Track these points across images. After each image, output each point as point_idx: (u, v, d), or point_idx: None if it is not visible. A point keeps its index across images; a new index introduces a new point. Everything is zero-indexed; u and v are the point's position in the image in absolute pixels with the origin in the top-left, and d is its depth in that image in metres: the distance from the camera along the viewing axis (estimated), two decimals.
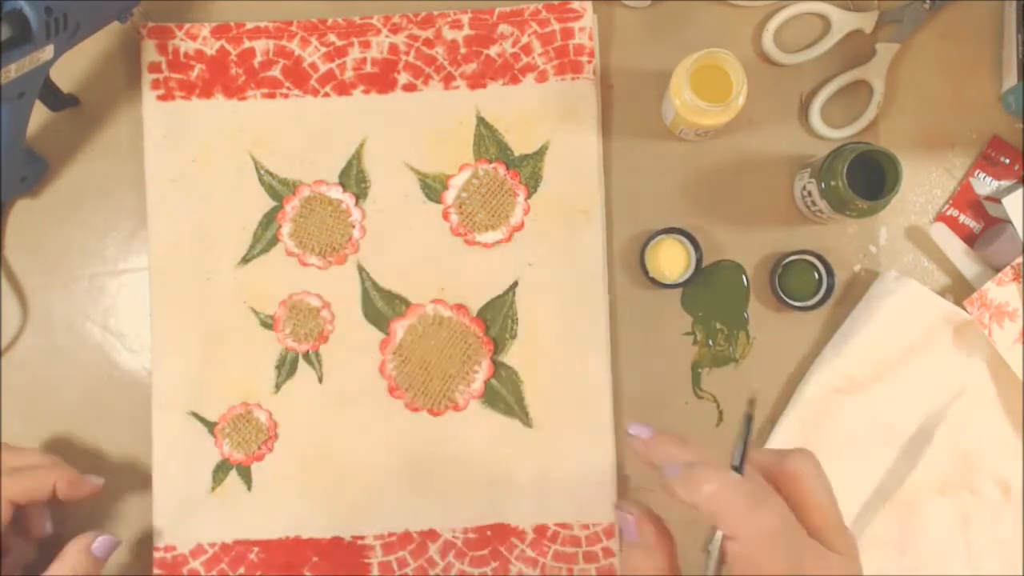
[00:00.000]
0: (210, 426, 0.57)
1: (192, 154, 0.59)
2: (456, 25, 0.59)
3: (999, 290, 0.55)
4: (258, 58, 0.59)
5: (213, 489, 0.57)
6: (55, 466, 0.53)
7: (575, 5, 0.59)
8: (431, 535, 0.57)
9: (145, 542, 0.56)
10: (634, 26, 0.60)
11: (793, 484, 0.37)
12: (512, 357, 0.57)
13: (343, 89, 0.59)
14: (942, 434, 0.55)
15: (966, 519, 0.56)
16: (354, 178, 0.59)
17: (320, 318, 0.58)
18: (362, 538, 0.57)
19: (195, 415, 0.57)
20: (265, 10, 0.60)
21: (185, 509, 0.56)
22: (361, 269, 0.58)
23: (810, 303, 0.57)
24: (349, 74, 0.59)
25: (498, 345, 0.58)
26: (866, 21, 0.59)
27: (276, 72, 0.59)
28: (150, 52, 0.59)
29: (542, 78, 0.59)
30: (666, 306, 0.58)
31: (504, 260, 0.58)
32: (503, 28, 0.59)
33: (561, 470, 0.57)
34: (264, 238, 0.58)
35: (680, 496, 0.36)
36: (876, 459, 0.56)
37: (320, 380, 0.58)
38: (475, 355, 0.57)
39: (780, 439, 0.56)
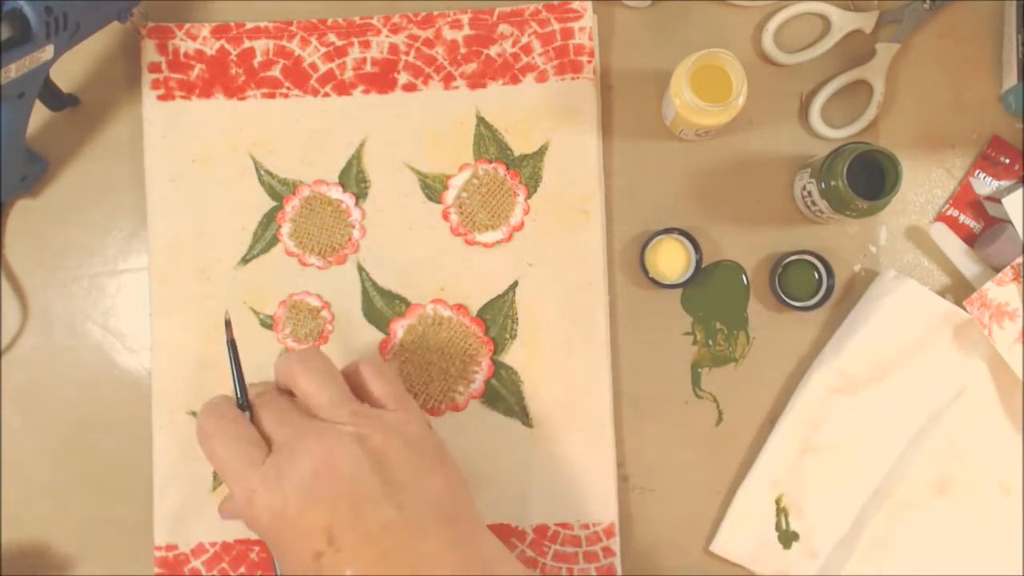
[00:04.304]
0: None
1: (192, 154, 0.59)
2: (456, 25, 0.59)
3: (999, 290, 0.55)
4: (258, 58, 0.59)
5: (214, 488, 0.57)
6: None
7: (575, 5, 0.59)
8: None
9: (146, 541, 0.56)
10: (634, 26, 0.60)
11: (356, 377, 0.47)
12: (512, 357, 0.57)
13: (343, 89, 0.59)
14: (942, 434, 0.56)
15: (966, 519, 0.56)
16: (354, 178, 0.59)
17: (320, 318, 0.58)
18: None
19: (195, 415, 0.57)
20: (265, 10, 0.60)
21: (186, 508, 0.56)
22: (361, 269, 0.58)
23: (810, 303, 0.57)
24: (349, 74, 0.59)
25: (498, 345, 0.58)
26: (866, 21, 0.59)
27: (276, 72, 0.59)
28: (150, 52, 0.59)
29: (542, 78, 0.59)
30: (666, 306, 0.58)
31: (504, 260, 0.58)
32: (503, 28, 0.59)
33: (561, 470, 0.57)
34: (264, 238, 0.58)
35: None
36: (876, 459, 0.56)
37: None
38: (475, 355, 0.57)
39: (780, 439, 0.56)
